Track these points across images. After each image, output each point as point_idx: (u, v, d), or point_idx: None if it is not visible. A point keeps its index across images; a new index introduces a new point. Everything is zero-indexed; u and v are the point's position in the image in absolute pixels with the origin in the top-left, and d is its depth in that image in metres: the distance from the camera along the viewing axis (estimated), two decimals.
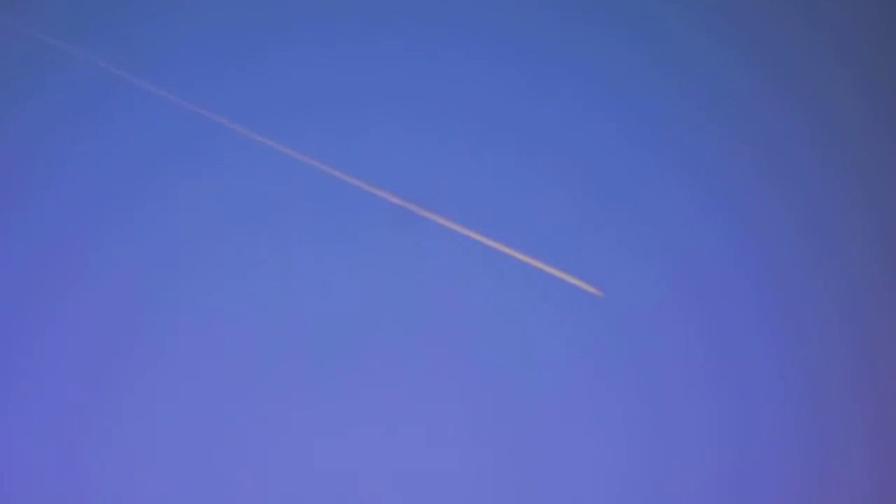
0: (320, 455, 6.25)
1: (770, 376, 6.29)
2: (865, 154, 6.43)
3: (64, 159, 6.49)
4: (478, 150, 6.45)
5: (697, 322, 6.32)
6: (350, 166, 6.39)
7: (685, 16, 6.54)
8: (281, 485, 6.23)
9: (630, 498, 6.20)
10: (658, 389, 6.26)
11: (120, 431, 6.26)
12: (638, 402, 6.25)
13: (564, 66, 6.50)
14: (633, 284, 6.33)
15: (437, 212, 6.34)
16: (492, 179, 6.42)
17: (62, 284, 6.39)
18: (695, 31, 6.53)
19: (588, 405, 6.24)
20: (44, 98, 6.53)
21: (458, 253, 6.35)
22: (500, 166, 6.44)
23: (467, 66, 6.51)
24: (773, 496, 6.19)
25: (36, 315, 6.36)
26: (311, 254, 6.41)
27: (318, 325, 6.34)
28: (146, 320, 6.34)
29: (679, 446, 6.24)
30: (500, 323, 6.30)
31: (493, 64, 6.48)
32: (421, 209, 6.34)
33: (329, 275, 6.38)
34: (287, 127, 6.45)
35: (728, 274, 6.36)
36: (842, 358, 6.30)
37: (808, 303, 6.34)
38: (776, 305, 6.34)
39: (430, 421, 6.25)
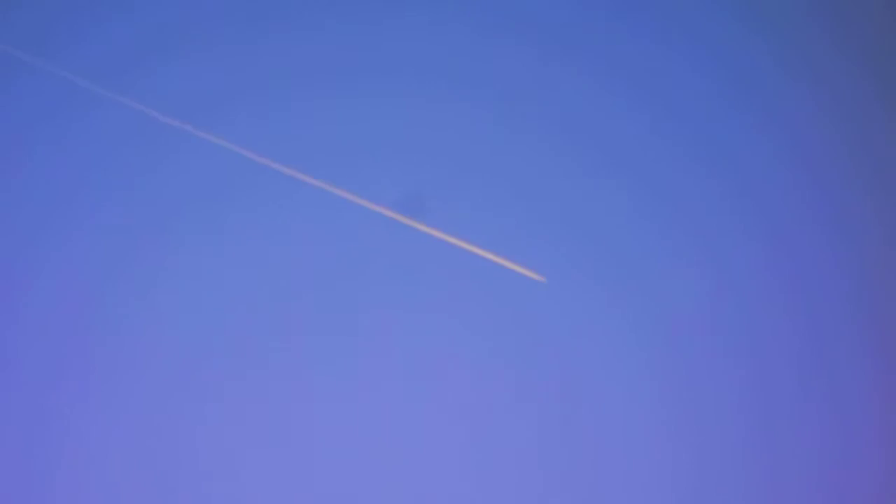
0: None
1: (714, 355, 6.43)
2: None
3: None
4: (421, 141, 6.62)
5: (640, 305, 6.49)
6: (295, 160, 6.60)
7: None
8: (273, 486, 6.40)
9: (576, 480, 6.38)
10: (603, 371, 6.43)
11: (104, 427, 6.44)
12: (585, 384, 6.40)
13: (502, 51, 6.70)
14: (575, 270, 6.51)
15: (383, 204, 6.52)
16: (435, 169, 6.59)
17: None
18: None
19: (533, 389, 6.39)
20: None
21: (401, 242, 6.53)
22: (443, 156, 6.62)
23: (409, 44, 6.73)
24: (726, 476, 6.36)
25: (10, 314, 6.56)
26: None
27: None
28: (132, 312, 6.52)
29: (624, 430, 6.39)
30: (442, 309, 6.47)
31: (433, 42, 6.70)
32: (367, 202, 6.53)
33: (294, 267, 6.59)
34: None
35: (669, 257, 6.51)
36: (788, 333, 6.46)
37: (749, 279, 6.51)
38: (719, 284, 6.48)
39: (379, 407, 6.44)
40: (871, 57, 6.63)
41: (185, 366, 6.48)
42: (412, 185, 6.56)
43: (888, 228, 6.49)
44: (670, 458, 6.35)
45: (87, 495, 6.33)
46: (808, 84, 6.61)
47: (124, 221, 6.60)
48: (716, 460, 6.34)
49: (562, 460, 6.35)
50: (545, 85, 6.66)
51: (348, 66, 6.73)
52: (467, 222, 6.51)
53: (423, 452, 6.37)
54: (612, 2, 6.72)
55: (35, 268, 6.55)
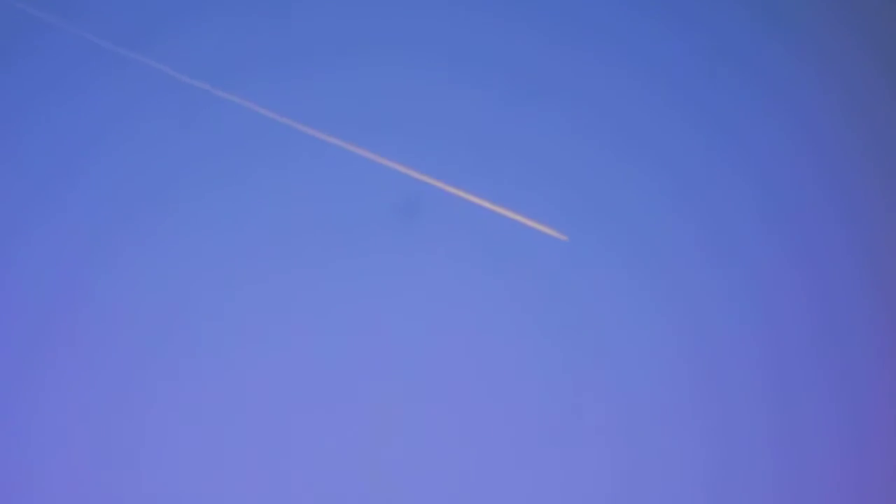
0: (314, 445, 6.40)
1: (733, 325, 6.39)
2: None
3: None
4: (442, 99, 6.58)
5: (661, 265, 6.43)
6: (320, 121, 6.57)
7: None
8: (283, 484, 6.36)
9: (603, 447, 6.33)
10: (624, 330, 6.38)
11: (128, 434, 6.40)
12: (604, 348, 6.35)
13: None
14: (597, 229, 6.45)
15: (404, 164, 6.48)
16: (453, 127, 6.56)
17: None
18: None
19: (555, 351, 6.35)
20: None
21: (421, 201, 6.49)
22: (464, 115, 6.57)
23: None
24: (753, 457, 6.30)
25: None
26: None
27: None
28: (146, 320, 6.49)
29: (645, 393, 6.33)
30: (464, 269, 6.43)
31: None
32: (385, 159, 6.49)
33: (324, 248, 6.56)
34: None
35: (693, 222, 6.47)
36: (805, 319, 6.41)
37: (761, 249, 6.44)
38: (733, 253, 6.44)
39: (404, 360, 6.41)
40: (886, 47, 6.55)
41: (207, 320, 6.48)
42: (434, 147, 6.52)
43: None
44: (690, 418, 6.30)
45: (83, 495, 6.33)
46: (826, 80, 6.56)
47: (144, 182, 6.59)
48: (734, 420, 6.29)
49: (585, 422, 6.30)
50: (567, 58, 6.61)
51: (379, 33, 6.73)
52: (489, 181, 6.47)
53: (445, 414, 6.34)
54: None
55: (51, 227, 6.54)
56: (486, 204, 6.42)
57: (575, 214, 6.44)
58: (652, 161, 6.51)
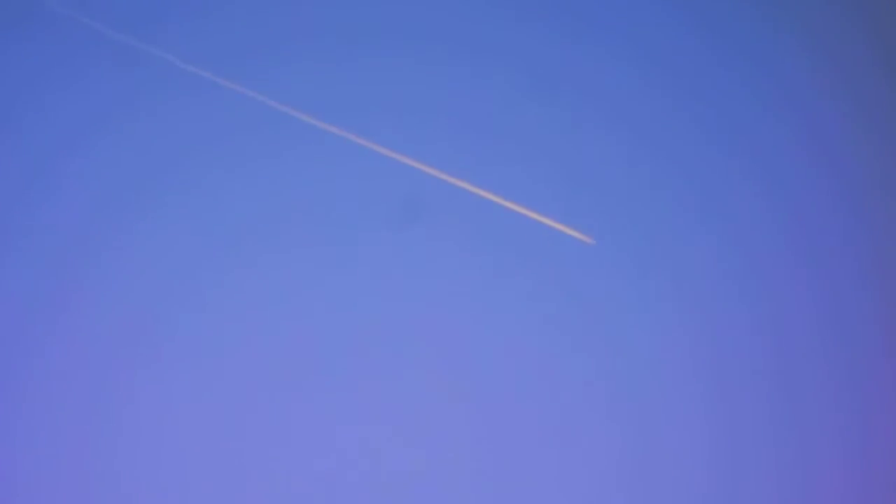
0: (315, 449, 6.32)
1: (747, 331, 6.37)
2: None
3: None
4: (467, 102, 6.50)
5: (687, 269, 6.39)
6: (341, 119, 6.44)
7: None
8: (283, 482, 6.27)
9: (622, 449, 6.28)
10: (650, 339, 6.34)
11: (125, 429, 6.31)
12: (631, 351, 6.31)
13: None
14: (623, 232, 6.39)
15: (427, 163, 6.36)
16: (481, 131, 6.48)
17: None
18: None
19: (580, 353, 6.30)
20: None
21: (450, 203, 6.40)
22: (491, 118, 6.49)
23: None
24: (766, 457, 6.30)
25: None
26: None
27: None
28: (146, 316, 6.38)
29: (668, 395, 6.30)
30: (492, 272, 6.36)
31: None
32: (412, 160, 6.37)
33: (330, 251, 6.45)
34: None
35: (708, 232, 6.44)
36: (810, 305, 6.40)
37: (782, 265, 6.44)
38: (750, 261, 6.43)
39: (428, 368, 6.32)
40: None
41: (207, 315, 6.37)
42: (459, 147, 6.44)
43: None
44: (707, 424, 6.28)
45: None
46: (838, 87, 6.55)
47: (143, 169, 6.48)
48: (749, 425, 6.30)
49: (611, 425, 6.25)
50: (588, 59, 6.55)
51: (386, 24, 6.63)
52: (516, 183, 6.40)
53: (467, 417, 6.27)
54: None
55: (48, 217, 6.43)
56: (514, 206, 6.33)
57: (602, 218, 6.39)
58: (669, 165, 6.48)
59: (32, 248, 6.38)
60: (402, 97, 6.49)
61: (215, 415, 6.26)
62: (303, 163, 6.45)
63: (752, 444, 6.27)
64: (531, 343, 6.30)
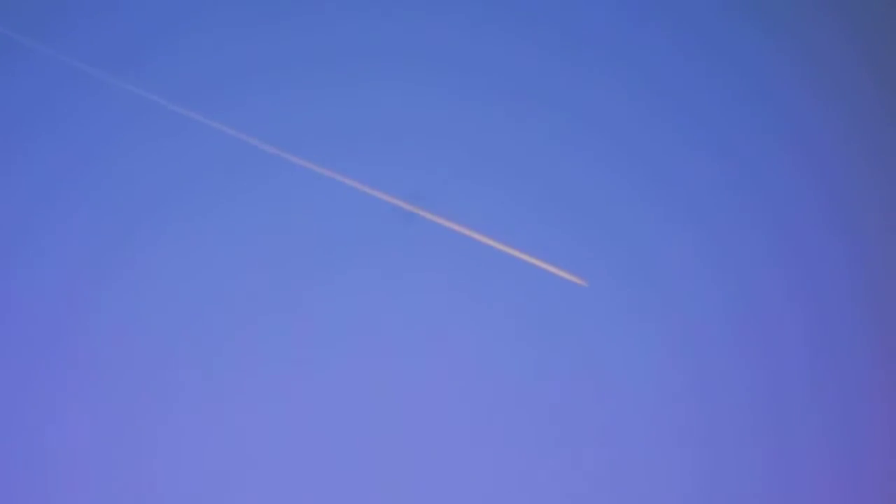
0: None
1: (737, 369, 6.36)
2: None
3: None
4: (462, 147, 6.48)
5: (680, 310, 6.38)
6: (340, 165, 6.38)
7: None
8: (280, 479, 6.27)
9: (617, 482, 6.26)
10: (645, 377, 6.31)
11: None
12: (626, 390, 6.29)
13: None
14: (616, 274, 6.36)
15: (424, 207, 6.31)
16: (475, 174, 6.46)
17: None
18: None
19: (576, 393, 6.28)
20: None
21: (446, 247, 6.39)
22: (485, 162, 6.47)
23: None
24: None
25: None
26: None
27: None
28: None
29: (662, 434, 6.29)
30: (486, 314, 6.34)
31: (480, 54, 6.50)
32: (409, 205, 6.30)
33: (327, 273, 6.39)
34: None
35: (703, 268, 6.41)
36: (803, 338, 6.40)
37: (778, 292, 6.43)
38: (748, 295, 6.40)
39: (420, 407, 6.30)
40: (875, 50, 6.56)
41: (188, 346, 6.39)
42: (452, 187, 6.42)
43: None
44: (703, 459, 6.28)
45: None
46: (822, 88, 6.55)
47: (123, 207, 6.47)
48: (745, 463, 6.29)
49: (599, 466, 6.24)
50: (575, 87, 6.54)
51: (366, 54, 6.63)
52: (508, 225, 6.40)
53: (459, 456, 6.26)
54: None
55: (32, 254, 6.43)
56: (507, 248, 6.28)
57: (596, 260, 6.35)
58: (676, 205, 6.47)
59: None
60: (386, 132, 6.49)
61: (213, 429, 6.32)
62: (281, 200, 6.44)
63: (745, 495, 6.28)
64: (522, 387, 6.30)
